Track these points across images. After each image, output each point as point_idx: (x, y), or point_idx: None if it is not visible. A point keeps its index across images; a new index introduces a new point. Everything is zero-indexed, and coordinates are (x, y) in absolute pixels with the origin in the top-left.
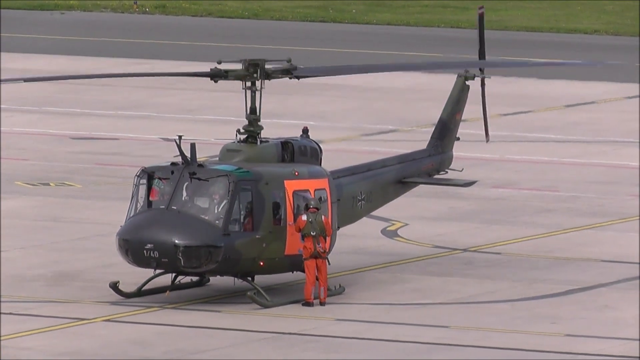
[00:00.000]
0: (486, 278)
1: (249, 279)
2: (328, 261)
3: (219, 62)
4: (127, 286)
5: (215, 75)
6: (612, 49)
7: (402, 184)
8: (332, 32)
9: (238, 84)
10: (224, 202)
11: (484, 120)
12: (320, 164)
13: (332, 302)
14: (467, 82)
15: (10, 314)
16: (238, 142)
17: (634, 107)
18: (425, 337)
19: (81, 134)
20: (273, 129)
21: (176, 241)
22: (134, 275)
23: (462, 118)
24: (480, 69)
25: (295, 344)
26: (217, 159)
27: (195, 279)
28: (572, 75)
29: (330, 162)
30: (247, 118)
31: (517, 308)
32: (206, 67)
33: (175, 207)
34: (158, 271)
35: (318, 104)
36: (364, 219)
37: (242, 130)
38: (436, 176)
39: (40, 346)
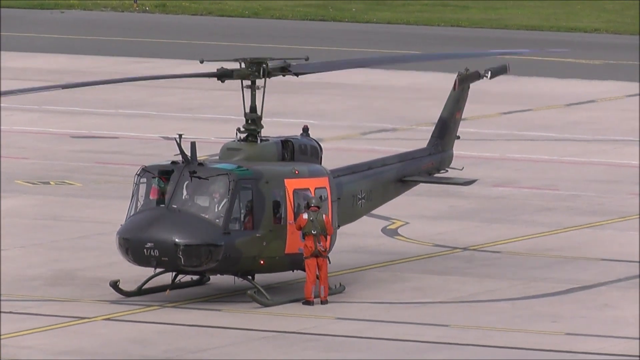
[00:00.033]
0: (486, 277)
1: (250, 277)
2: (329, 260)
3: (201, 61)
4: (128, 285)
5: (223, 76)
6: (612, 48)
7: (403, 183)
8: (332, 31)
9: (238, 82)
10: (224, 200)
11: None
12: (321, 163)
13: (332, 301)
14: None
15: (10, 312)
16: (238, 140)
17: (634, 106)
18: (425, 336)
19: (81, 133)
20: (273, 128)
21: (176, 240)
22: (134, 274)
23: (462, 117)
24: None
25: (295, 343)
26: (218, 157)
27: (195, 277)
28: (572, 74)
29: (331, 160)
30: (247, 117)
31: (517, 307)
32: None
33: (175, 206)
34: (158, 270)
35: (318, 103)
36: (364, 217)
37: (242, 129)
38: (436, 175)
39: (41, 345)
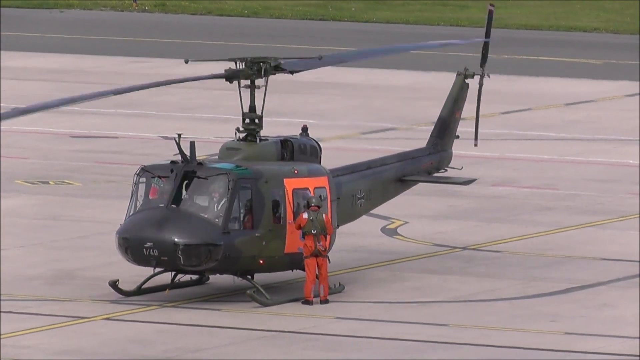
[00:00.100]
0: (485, 276)
1: (249, 277)
2: (329, 259)
3: (186, 61)
4: (127, 284)
5: (231, 77)
6: (612, 47)
7: (402, 182)
8: (331, 31)
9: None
10: (224, 200)
11: (476, 123)
12: (320, 162)
13: (331, 300)
14: (466, 81)
15: (10, 312)
16: (237, 140)
17: (634, 105)
18: (424, 335)
19: (81, 133)
20: (272, 128)
21: (176, 239)
22: (134, 274)
23: (462, 116)
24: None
25: (295, 343)
26: (217, 157)
27: (194, 277)
28: (571, 73)
29: (330, 160)
30: (247, 117)
31: (517, 306)
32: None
33: (174, 206)
34: (158, 270)
35: (317, 103)
36: (364, 217)
37: (241, 129)
38: (436, 174)
39: (40, 345)
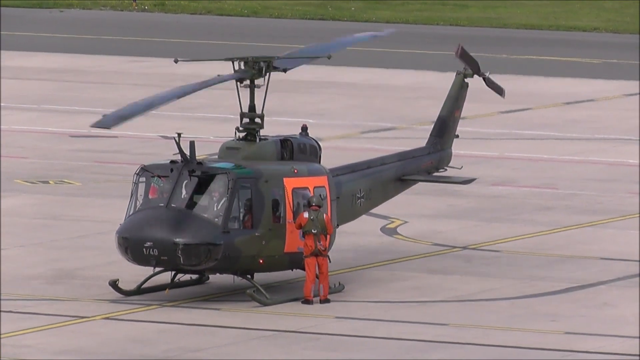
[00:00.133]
0: (485, 276)
1: (249, 276)
2: (329, 259)
3: (176, 61)
4: (127, 284)
5: (241, 79)
6: (612, 47)
7: (402, 182)
8: (331, 30)
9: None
10: (224, 199)
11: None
12: (320, 162)
13: (332, 300)
14: (465, 80)
15: (10, 312)
16: (237, 139)
17: (634, 105)
18: (424, 335)
19: (80, 132)
20: (272, 127)
21: (175, 239)
22: (134, 273)
23: (461, 115)
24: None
25: (295, 342)
26: (217, 157)
27: (194, 277)
28: (571, 73)
29: (330, 159)
30: (247, 116)
31: (517, 306)
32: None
33: (174, 205)
34: (157, 269)
35: (317, 102)
36: (364, 216)
37: (241, 128)
38: (435, 174)
39: (40, 344)
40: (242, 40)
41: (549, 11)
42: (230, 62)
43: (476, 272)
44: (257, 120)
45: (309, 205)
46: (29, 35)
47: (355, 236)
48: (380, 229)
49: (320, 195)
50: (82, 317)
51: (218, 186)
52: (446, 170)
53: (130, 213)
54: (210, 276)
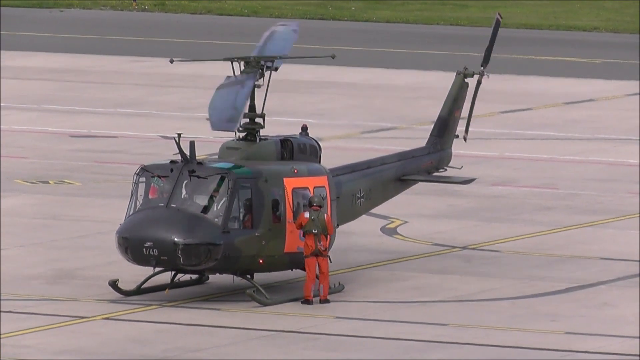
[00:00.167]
0: (485, 276)
1: (249, 276)
2: (330, 259)
3: (171, 61)
4: (127, 284)
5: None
6: (612, 46)
7: (402, 182)
8: (331, 30)
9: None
10: (223, 199)
11: (468, 118)
12: (320, 162)
13: (331, 300)
14: (465, 80)
15: (10, 312)
16: (237, 139)
17: (634, 105)
18: (424, 335)
19: (80, 132)
20: (272, 127)
21: (175, 239)
22: (134, 273)
23: (461, 115)
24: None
25: (294, 342)
26: (217, 157)
27: (194, 276)
28: (571, 73)
29: (330, 159)
30: (247, 116)
31: (517, 306)
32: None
33: (174, 205)
34: (157, 269)
35: (317, 102)
36: (364, 216)
37: (241, 128)
38: (435, 174)
39: (40, 344)
40: (242, 40)
41: (549, 11)
42: (230, 62)
43: (476, 272)
44: (257, 120)
45: (310, 205)
46: (29, 35)
47: (355, 236)
48: (380, 229)
49: (321, 195)
50: (82, 317)
51: (218, 186)
52: (446, 170)
53: (130, 213)
54: (210, 276)
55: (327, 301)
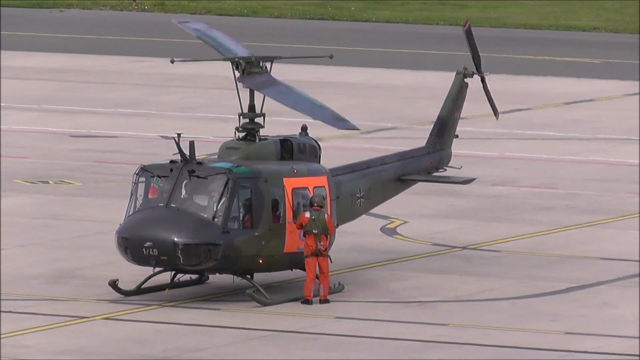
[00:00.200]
0: (485, 276)
1: (248, 276)
2: (330, 259)
3: (172, 61)
4: (127, 284)
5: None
6: (611, 46)
7: (401, 182)
8: (330, 30)
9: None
10: (223, 199)
11: (490, 101)
12: (319, 162)
13: (331, 300)
14: (465, 80)
15: (10, 312)
16: (237, 139)
17: (634, 105)
18: (424, 335)
19: (80, 132)
20: (272, 127)
21: (175, 239)
22: (133, 273)
23: (461, 115)
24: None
25: (294, 342)
26: (216, 157)
27: (194, 276)
28: (571, 73)
29: (329, 159)
30: (246, 116)
31: (517, 306)
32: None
33: (174, 205)
34: (157, 269)
35: None
36: (363, 216)
37: (240, 128)
38: (435, 174)
39: (40, 344)
40: (242, 40)
41: (549, 11)
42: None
43: (476, 272)
44: (257, 120)
45: (311, 205)
46: (29, 35)
47: (354, 236)
48: (380, 229)
49: (321, 195)
50: (82, 317)
51: (218, 186)
52: (446, 170)
53: (130, 213)
54: (210, 276)
55: (327, 301)
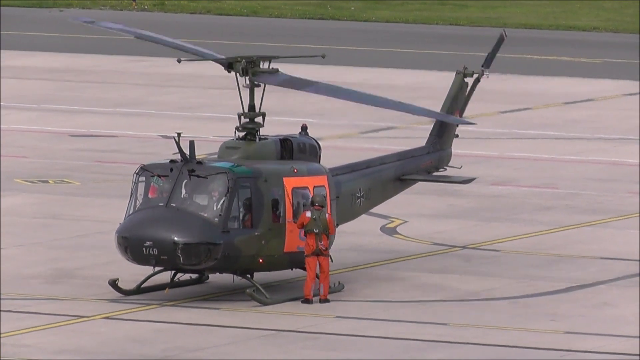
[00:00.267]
0: (485, 275)
1: (248, 276)
2: (331, 258)
3: (179, 61)
4: (126, 284)
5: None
6: (611, 46)
7: (401, 181)
8: (330, 30)
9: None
10: (223, 199)
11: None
12: (319, 161)
13: (331, 299)
14: (465, 79)
15: (10, 311)
16: (237, 139)
17: (634, 105)
18: (424, 335)
19: (80, 132)
20: (272, 127)
21: (175, 238)
22: (133, 273)
23: (462, 116)
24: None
25: (294, 342)
26: (216, 156)
27: (194, 276)
28: (571, 72)
29: (329, 159)
30: (246, 115)
31: (516, 305)
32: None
33: (174, 205)
34: (157, 268)
35: (317, 102)
36: (363, 216)
37: (240, 128)
38: (435, 173)
39: (40, 344)
40: (242, 40)
41: (548, 11)
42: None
43: (476, 272)
44: (257, 119)
45: (312, 204)
46: (29, 35)
47: (354, 236)
48: (380, 229)
49: (322, 195)
50: (82, 317)
51: (218, 186)
52: (446, 169)
53: (130, 212)
54: (210, 276)
55: (327, 301)
